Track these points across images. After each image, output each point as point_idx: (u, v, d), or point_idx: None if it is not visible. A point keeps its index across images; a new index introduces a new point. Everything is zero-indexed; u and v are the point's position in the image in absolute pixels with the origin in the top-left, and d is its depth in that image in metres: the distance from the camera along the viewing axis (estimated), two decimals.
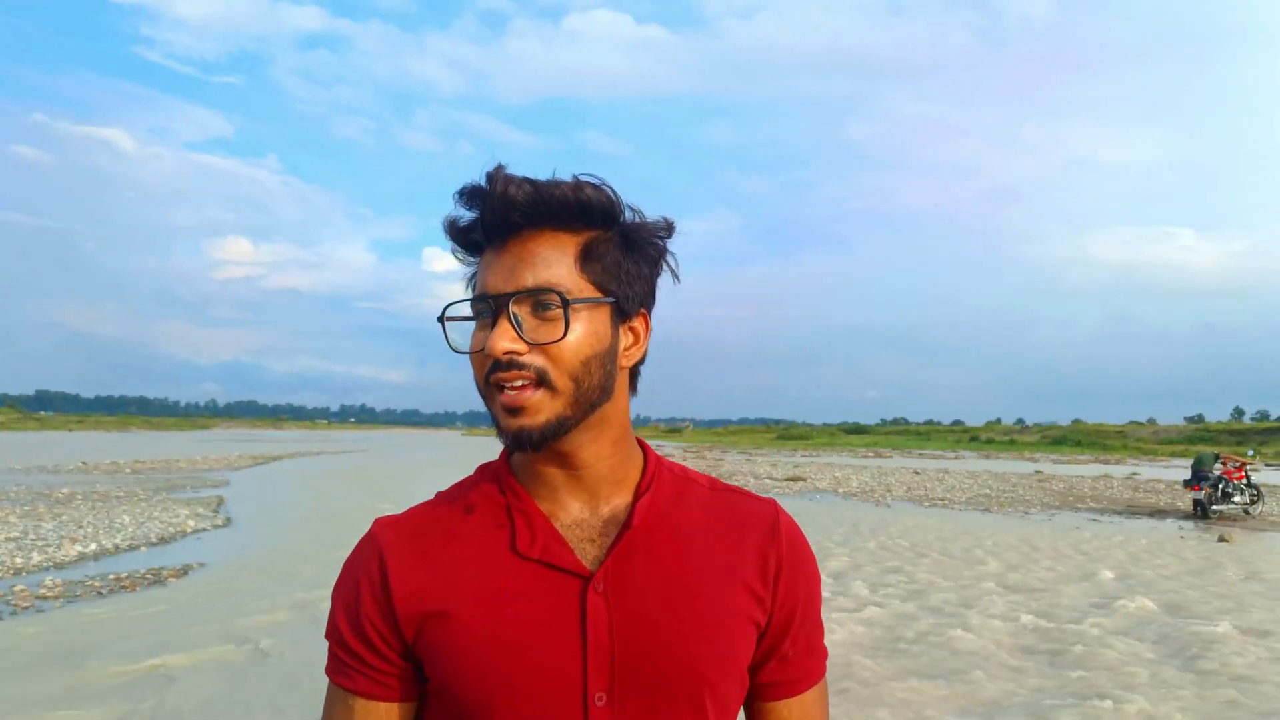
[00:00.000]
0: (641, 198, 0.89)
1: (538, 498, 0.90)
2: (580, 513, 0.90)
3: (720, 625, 0.87)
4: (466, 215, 0.86)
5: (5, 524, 12.96)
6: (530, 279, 0.83)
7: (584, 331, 0.84)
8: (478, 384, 0.86)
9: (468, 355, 0.86)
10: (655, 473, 0.93)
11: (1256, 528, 15.99)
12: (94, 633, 6.99)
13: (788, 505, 18.77)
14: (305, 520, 15.12)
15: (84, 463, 29.72)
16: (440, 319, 0.87)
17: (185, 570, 9.82)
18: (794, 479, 27.04)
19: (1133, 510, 19.20)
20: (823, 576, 9.69)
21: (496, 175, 0.83)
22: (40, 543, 11.37)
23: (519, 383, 0.82)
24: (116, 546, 11.44)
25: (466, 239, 0.87)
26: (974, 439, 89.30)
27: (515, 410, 0.83)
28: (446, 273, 0.93)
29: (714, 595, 0.88)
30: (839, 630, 6.90)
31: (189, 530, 12.98)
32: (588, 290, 0.85)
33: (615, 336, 0.87)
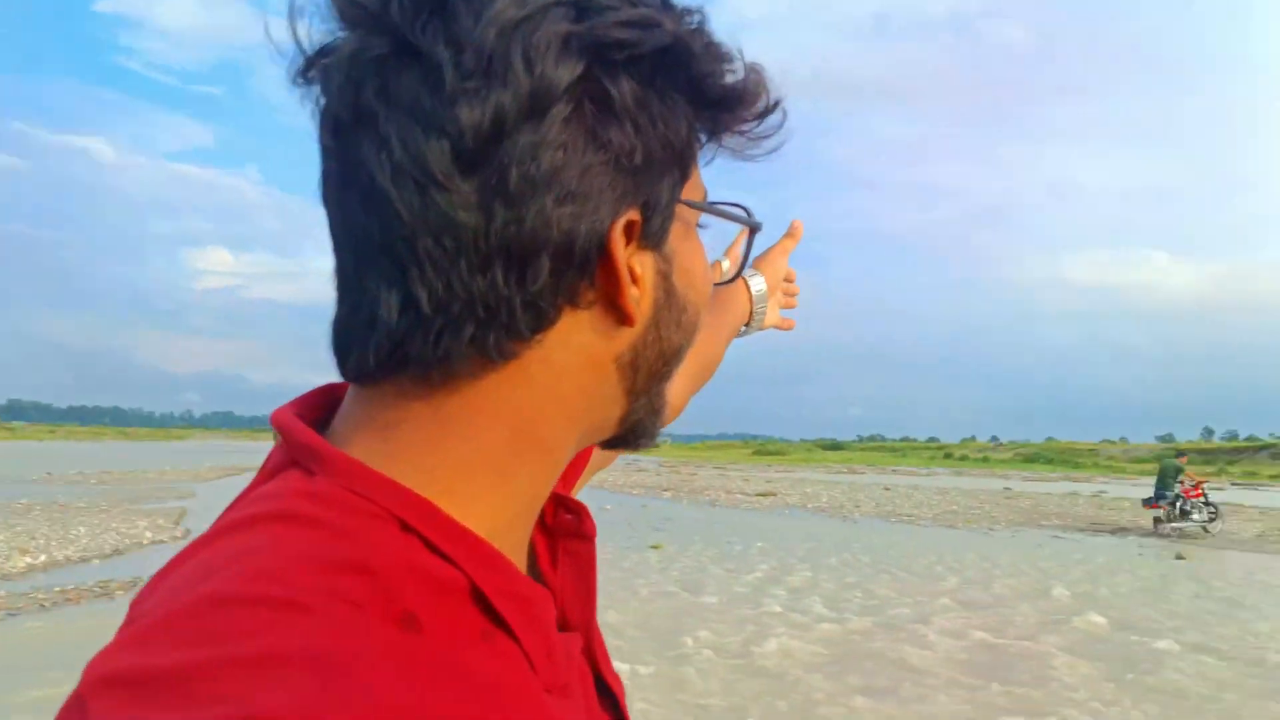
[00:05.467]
0: None
1: (506, 541, 0.46)
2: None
3: None
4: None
5: None
6: None
7: None
8: (693, 339, 0.51)
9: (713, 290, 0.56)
10: None
11: (1215, 545, 16.18)
12: (25, 649, 6.87)
13: (759, 521, 18.79)
14: None
15: (49, 474, 29.24)
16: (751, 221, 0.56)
17: (135, 583, 9.68)
18: (766, 494, 27.08)
19: (1095, 528, 19.36)
20: (781, 592, 9.79)
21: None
22: None
23: None
24: (68, 559, 11.26)
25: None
26: (948, 456, 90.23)
27: None
28: None
29: None
30: (790, 646, 6.91)
31: (146, 542, 12.81)
32: None
33: None
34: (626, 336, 0.46)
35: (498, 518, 0.45)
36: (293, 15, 0.42)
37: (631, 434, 0.51)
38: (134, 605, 0.41)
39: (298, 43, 0.43)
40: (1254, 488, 48.86)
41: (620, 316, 0.45)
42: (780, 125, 0.49)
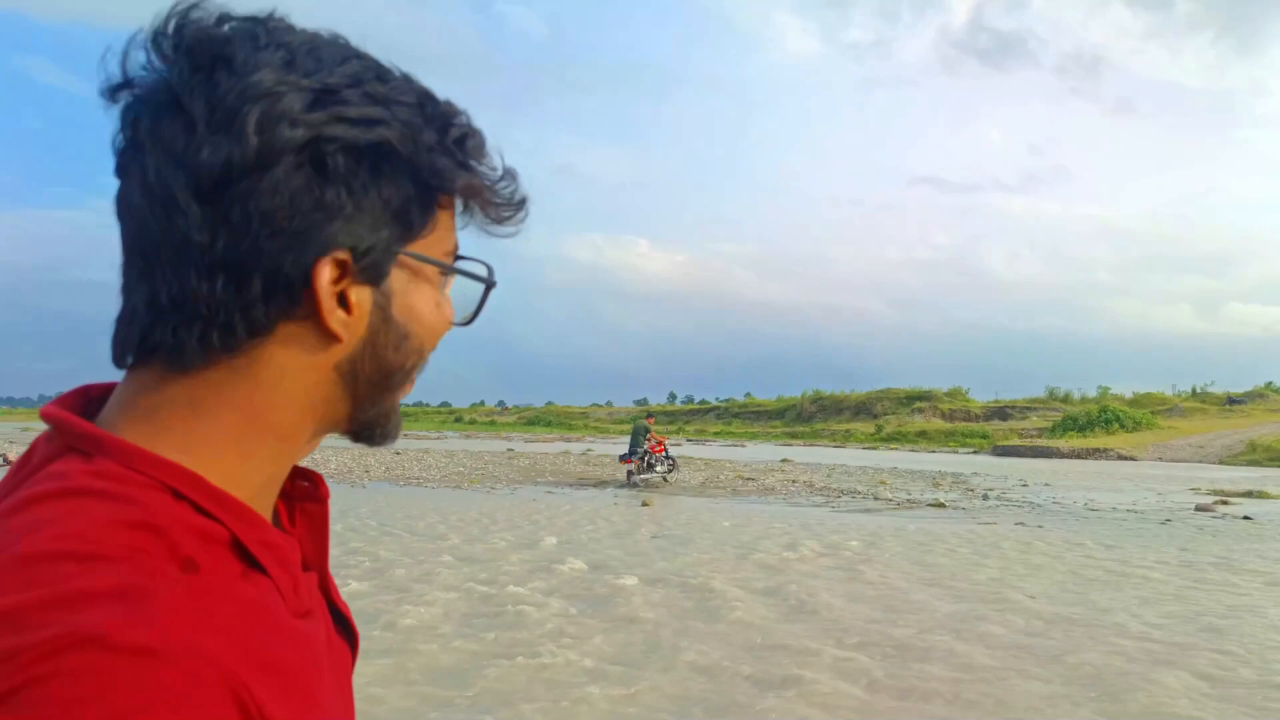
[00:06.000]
0: None
1: (256, 505, 0.59)
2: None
3: None
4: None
5: None
6: None
7: None
8: (418, 363, 0.64)
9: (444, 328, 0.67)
10: None
11: (671, 493, 19.25)
12: None
13: None
14: None
15: None
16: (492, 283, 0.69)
17: None
18: None
19: (582, 482, 21.76)
20: None
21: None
22: None
23: None
24: None
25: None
26: (459, 420, 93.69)
27: None
28: None
29: None
30: None
31: None
32: None
33: None
34: (340, 350, 0.57)
35: (247, 488, 0.56)
36: (127, 50, 0.55)
37: (365, 431, 0.63)
38: None
39: (123, 70, 0.55)
40: (702, 443, 58.72)
41: (327, 334, 0.56)
42: (522, 217, 0.63)
